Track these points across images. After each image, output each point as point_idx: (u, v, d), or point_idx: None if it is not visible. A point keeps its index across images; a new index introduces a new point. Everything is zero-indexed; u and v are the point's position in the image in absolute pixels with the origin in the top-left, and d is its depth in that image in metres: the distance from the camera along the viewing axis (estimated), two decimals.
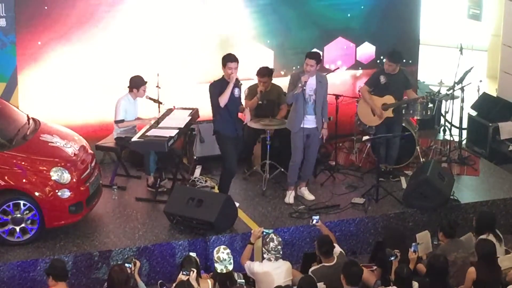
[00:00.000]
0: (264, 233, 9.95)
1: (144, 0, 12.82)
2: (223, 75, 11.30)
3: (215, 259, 9.29)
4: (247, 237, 10.45)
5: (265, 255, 9.75)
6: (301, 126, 11.47)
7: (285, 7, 13.52)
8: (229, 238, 10.87)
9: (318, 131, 11.61)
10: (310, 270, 9.72)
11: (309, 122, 11.52)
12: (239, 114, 11.57)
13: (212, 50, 13.01)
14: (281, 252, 9.75)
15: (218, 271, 9.28)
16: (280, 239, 9.76)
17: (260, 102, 12.58)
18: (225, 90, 11.16)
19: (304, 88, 11.31)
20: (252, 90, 12.75)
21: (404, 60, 13.14)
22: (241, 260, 9.99)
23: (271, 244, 9.67)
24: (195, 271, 9.05)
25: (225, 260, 9.26)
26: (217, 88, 11.27)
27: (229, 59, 11.24)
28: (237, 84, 11.38)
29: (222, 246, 9.41)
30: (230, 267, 9.30)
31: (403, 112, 12.66)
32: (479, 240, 9.95)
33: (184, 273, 8.97)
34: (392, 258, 9.54)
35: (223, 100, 11.17)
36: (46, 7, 12.30)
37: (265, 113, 12.58)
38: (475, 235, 10.44)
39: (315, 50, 12.83)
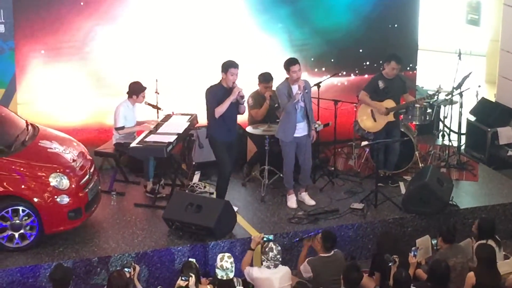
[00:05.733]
0: (265, 239, 9.95)
1: (143, 6, 12.84)
2: (219, 81, 11.25)
3: (218, 265, 9.19)
4: (246, 242, 10.44)
5: (264, 262, 9.75)
6: (294, 135, 11.54)
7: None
8: (228, 243, 10.86)
9: (308, 137, 11.64)
10: (308, 259, 9.93)
11: (299, 130, 11.56)
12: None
13: (211, 55, 13.00)
14: (280, 260, 9.76)
15: (219, 277, 9.22)
16: (279, 248, 9.76)
17: (276, 105, 12.33)
18: (224, 99, 11.10)
19: (299, 92, 11.32)
20: (256, 98, 12.68)
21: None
22: (241, 266, 9.99)
23: (271, 254, 9.67)
24: (194, 276, 9.02)
25: (227, 268, 9.16)
26: (213, 94, 11.20)
27: (231, 65, 11.15)
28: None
29: (227, 255, 9.25)
30: (231, 275, 9.24)
31: (402, 117, 12.68)
32: (479, 245, 9.94)
33: (183, 278, 8.96)
34: (390, 264, 9.54)
35: (220, 111, 11.12)
36: (44, 14, 12.30)
37: (275, 118, 12.52)
38: (475, 241, 10.44)
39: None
